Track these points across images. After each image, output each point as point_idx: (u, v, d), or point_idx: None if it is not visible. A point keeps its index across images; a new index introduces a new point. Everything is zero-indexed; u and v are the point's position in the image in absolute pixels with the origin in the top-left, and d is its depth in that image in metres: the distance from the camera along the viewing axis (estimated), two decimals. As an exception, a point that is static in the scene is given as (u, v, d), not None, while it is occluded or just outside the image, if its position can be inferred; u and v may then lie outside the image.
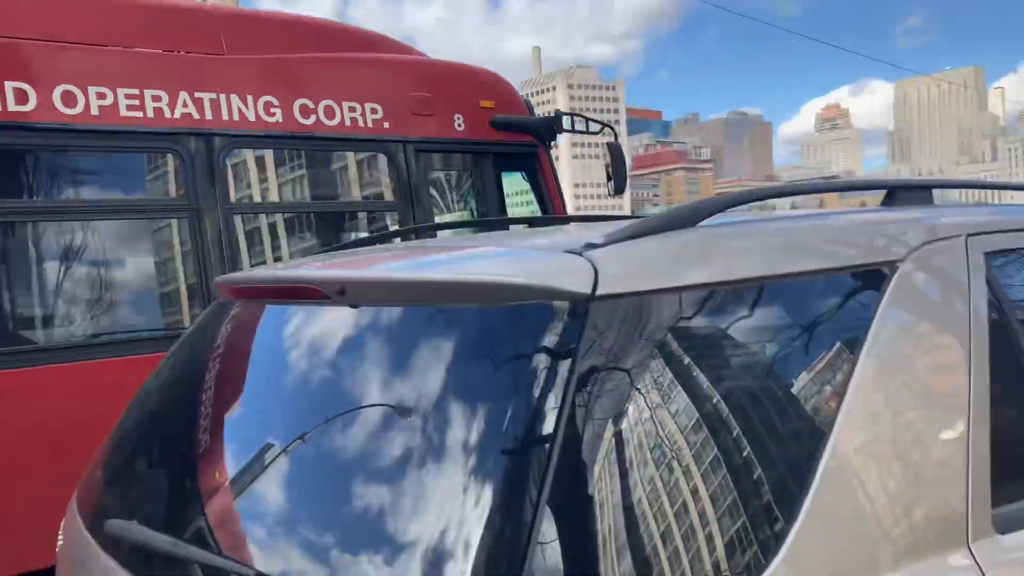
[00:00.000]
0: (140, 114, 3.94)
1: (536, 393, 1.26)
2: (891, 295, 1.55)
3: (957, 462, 1.51)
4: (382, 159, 4.70)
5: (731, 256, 1.48)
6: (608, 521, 1.20)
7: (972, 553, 1.47)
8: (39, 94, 3.76)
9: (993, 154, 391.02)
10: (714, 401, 1.32)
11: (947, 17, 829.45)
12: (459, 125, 4.86)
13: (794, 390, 1.41)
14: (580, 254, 1.39)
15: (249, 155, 4.47)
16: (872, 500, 1.39)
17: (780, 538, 1.29)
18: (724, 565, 1.24)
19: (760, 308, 1.45)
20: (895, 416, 1.47)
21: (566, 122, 5.40)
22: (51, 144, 3.81)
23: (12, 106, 3.70)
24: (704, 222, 1.54)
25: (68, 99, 3.83)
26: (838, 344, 1.47)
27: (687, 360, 1.33)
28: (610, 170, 5.45)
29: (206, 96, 4.11)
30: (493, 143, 5.01)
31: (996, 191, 2.58)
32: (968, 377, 1.57)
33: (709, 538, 1.24)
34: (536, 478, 1.21)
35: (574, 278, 1.33)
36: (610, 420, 1.25)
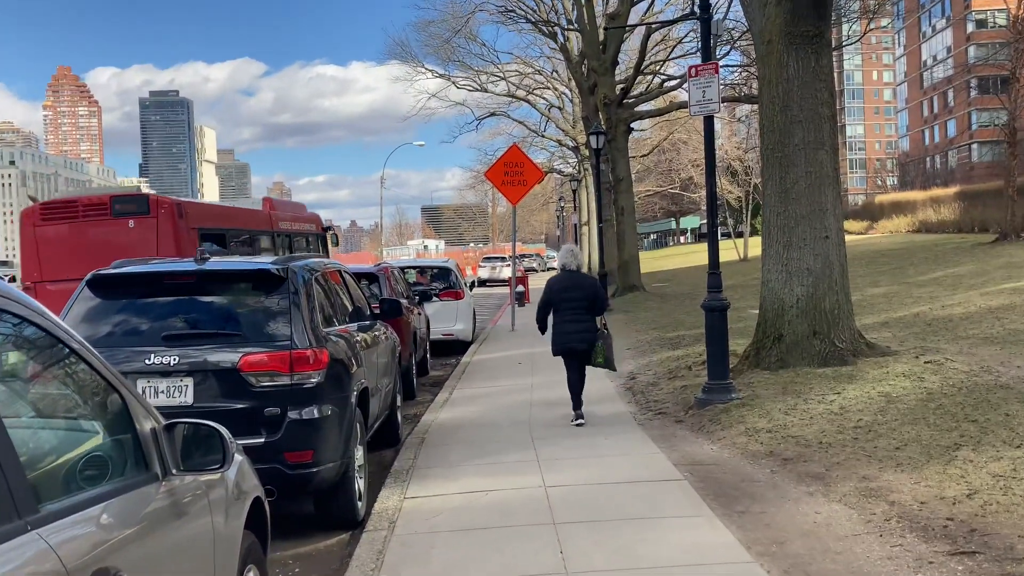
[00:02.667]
0: (299, 227, 19.19)
1: None
2: None
3: None
4: (313, 237, 20.00)
5: None
6: None
7: None
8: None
9: None
10: None
11: None
12: (315, 227, 20.19)
13: None
14: None
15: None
16: None
17: None
18: None
19: None
20: None
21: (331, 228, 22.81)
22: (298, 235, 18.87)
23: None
24: None
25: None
26: None
27: None
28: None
29: (284, 224, 17.82)
30: (321, 233, 20.49)
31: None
32: None
33: None
34: None
35: None
36: None
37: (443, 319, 18.55)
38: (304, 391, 6.38)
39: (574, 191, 54.79)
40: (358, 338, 7.91)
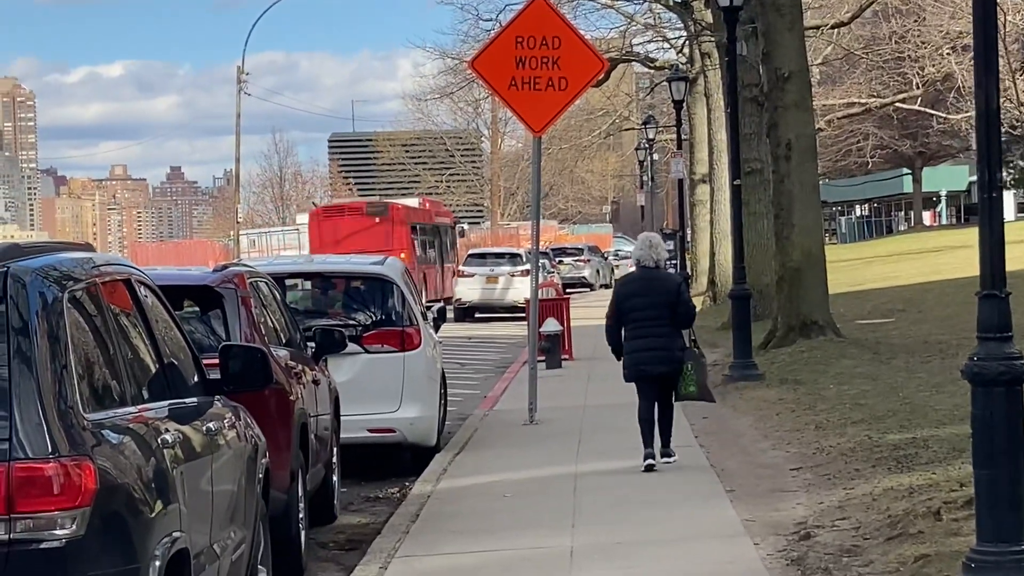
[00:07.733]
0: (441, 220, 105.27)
1: None
2: None
3: None
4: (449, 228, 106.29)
5: None
6: None
7: None
8: None
9: None
10: None
11: None
12: (449, 221, 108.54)
13: None
14: None
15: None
16: None
17: None
18: None
19: None
20: None
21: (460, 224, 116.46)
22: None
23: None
24: None
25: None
26: None
27: None
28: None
29: (439, 218, 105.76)
30: (452, 224, 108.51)
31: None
32: None
33: None
34: None
35: None
36: None
37: (371, 394, 18.74)
38: (37, 557, 6.50)
39: (679, 106, 54.88)
40: (168, 436, 8.05)
